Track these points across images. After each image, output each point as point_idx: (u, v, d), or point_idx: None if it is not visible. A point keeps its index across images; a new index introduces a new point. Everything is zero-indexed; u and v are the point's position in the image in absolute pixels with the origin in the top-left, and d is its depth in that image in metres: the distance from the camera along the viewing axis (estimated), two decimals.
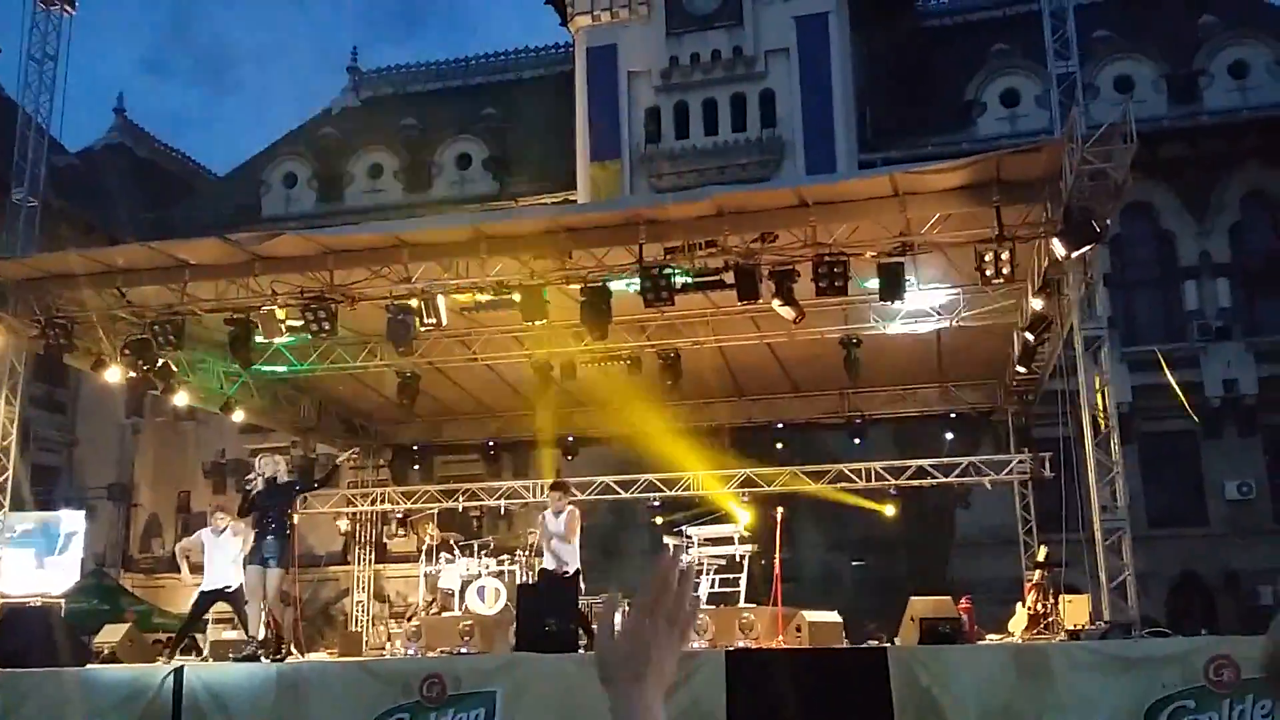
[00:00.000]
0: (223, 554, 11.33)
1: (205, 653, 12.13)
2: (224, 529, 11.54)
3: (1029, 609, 12.52)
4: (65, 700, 9.11)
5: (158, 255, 11.78)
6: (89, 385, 22.39)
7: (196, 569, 11.58)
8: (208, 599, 11.33)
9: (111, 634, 11.44)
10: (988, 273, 10.53)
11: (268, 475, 11.13)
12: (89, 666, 10.04)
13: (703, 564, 13.25)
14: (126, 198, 28.29)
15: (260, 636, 10.55)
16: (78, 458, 26.98)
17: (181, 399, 14.52)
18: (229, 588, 11.18)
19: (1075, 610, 11.44)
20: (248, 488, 11.45)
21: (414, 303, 11.52)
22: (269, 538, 10.85)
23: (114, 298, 12.24)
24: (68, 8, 19.88)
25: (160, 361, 12.77)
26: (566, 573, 11.03)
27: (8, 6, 20.66)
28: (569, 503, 11.70)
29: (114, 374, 13.24)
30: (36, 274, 12.39)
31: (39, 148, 19.76)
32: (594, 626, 11.57)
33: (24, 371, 13.26)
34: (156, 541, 26.60)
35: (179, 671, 9.04)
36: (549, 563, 11.34)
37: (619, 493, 17.47)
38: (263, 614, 10.82)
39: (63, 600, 13.03)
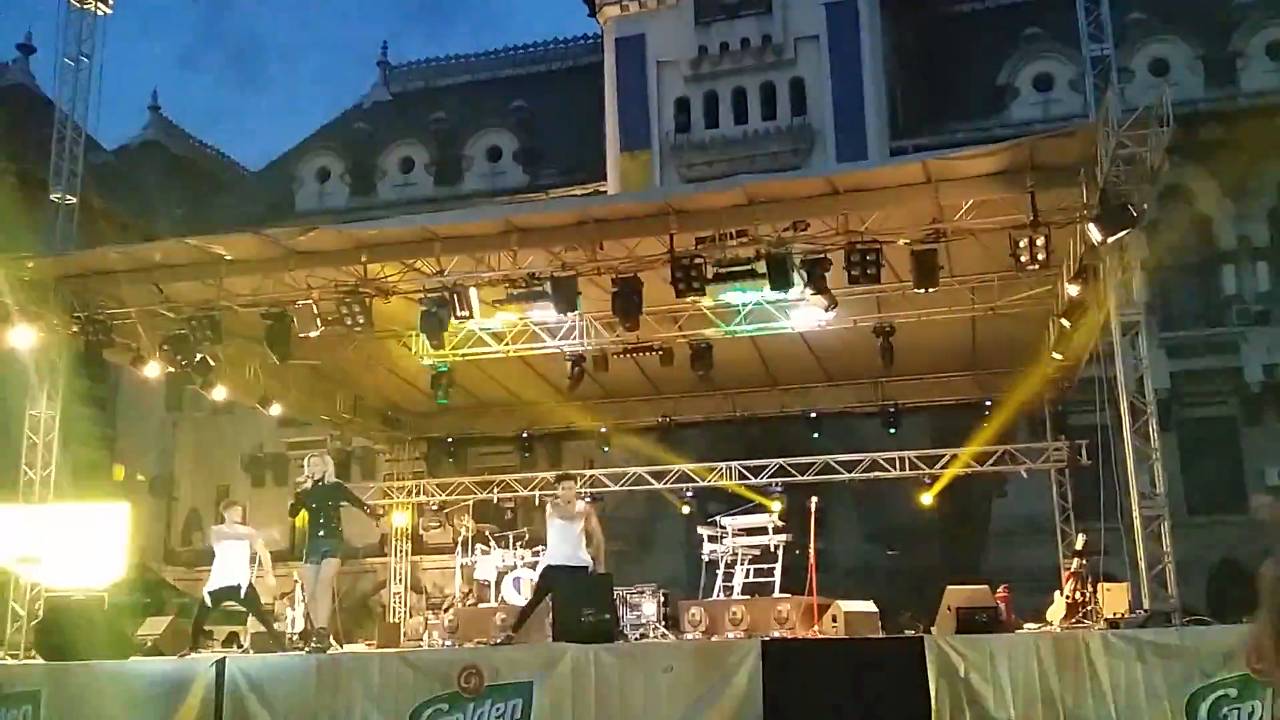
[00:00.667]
0: (235, 553, 11.36)
1: (246, 645, 12.28)
2: (234, 527, 11.58)
3: (1067, 597, 12.43)
4: (109, 692, 9.25)
5: (194, 251, 11.90)
6: (128, 381, 22.69)
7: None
8: (215, 598, 11.29)
9: (154, 626, 11.62)
10: (1022, 259, 10.43)
11: (316, 476, 11.19)
12: (132, 659, 10.19)
13: (737, 554, 13.25)
14: (162, 194, 28.63)
15: (303, 628, 10.67)
16: (119, 452, 27.35)
17: (219, 393, 14.67)
18: (239, 586, 11.19)
19: (1114, 598, 11.35)
20: (298, 490, 11.49)
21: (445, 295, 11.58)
22: (320, 535, 10.89)
23: (152, 293, 12.38)
24: (102, 6, 20.07)
25: (198, 356, 12.91)
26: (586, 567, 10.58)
27: (43, 6, 20.93)
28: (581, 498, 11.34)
29: (153, 369, 13.40)
30: (75, 271, 12.56)
31: (75, 146, 19.99)
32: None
33: (65, 368, 13.45)
34: (197, 535, 26.94)
35: (221, 663, 9.16)
36: (561, 558, 10.69)
37: (652, 483, 17.49)
38: (328, 604, 10.93)
39: (105, 593, 13.20)
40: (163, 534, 26.89)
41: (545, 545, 14.25)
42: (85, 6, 19.76)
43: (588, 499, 11.40)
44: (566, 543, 10.65)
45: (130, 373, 14.87)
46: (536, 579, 11.48)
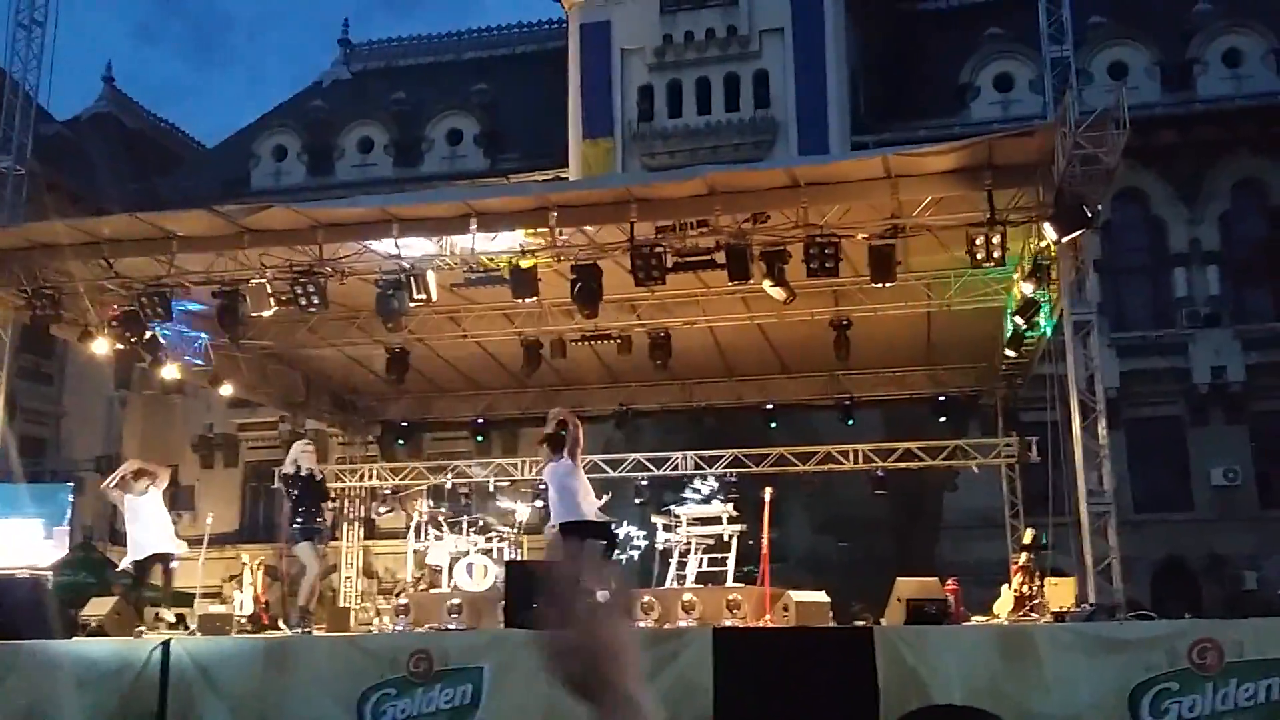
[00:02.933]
0: (155, 518, 11.30)
1: (193, 627, 12.12)
2: (146, 490, 11.49)
3: (1015, 591, 12.58)
4: (52, 672, 9.10)
5: (145, 226, 11.70)
6: (76, 357, 22.28)
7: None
8: (144, 565, 11.24)
9: (99, 607, 11.41)
10: (978, 256, 10.55)
11: (304, 469, 11.39)
12: (76, 639, 10.02)
13: (691, 543, 13.28)
14: (114, 168, 28.11)
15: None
16: (65, 430, 26.88)
17: (169, 372, 14.45)
18: (168, 553, 11.14)
19: (1060, 593, 11.50)
20: (285, 471, 11.62)
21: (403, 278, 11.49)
22: (296, 524, 11.16)
23: (101, 268, 12.15)
24: None
25: (148, 334, 12.70)
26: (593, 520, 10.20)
27: None
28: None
29: (101, 346, 13.16)
30: (23, 244, 12.29)
31: (26, 116, 19.58)
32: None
33: (10, 342, 13.18)
34: None
35: (166, 645, 9.04)
36: (567, 514, 10.13)
37: (607, 472, 17.47)
38: (310, 587, 10.98)
39: (50, 573, 12.97)
40: (109, 514, 26.45)
41: (501, 530, 14.27)
42: None
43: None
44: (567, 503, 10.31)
45: (78, 349, 14.62)
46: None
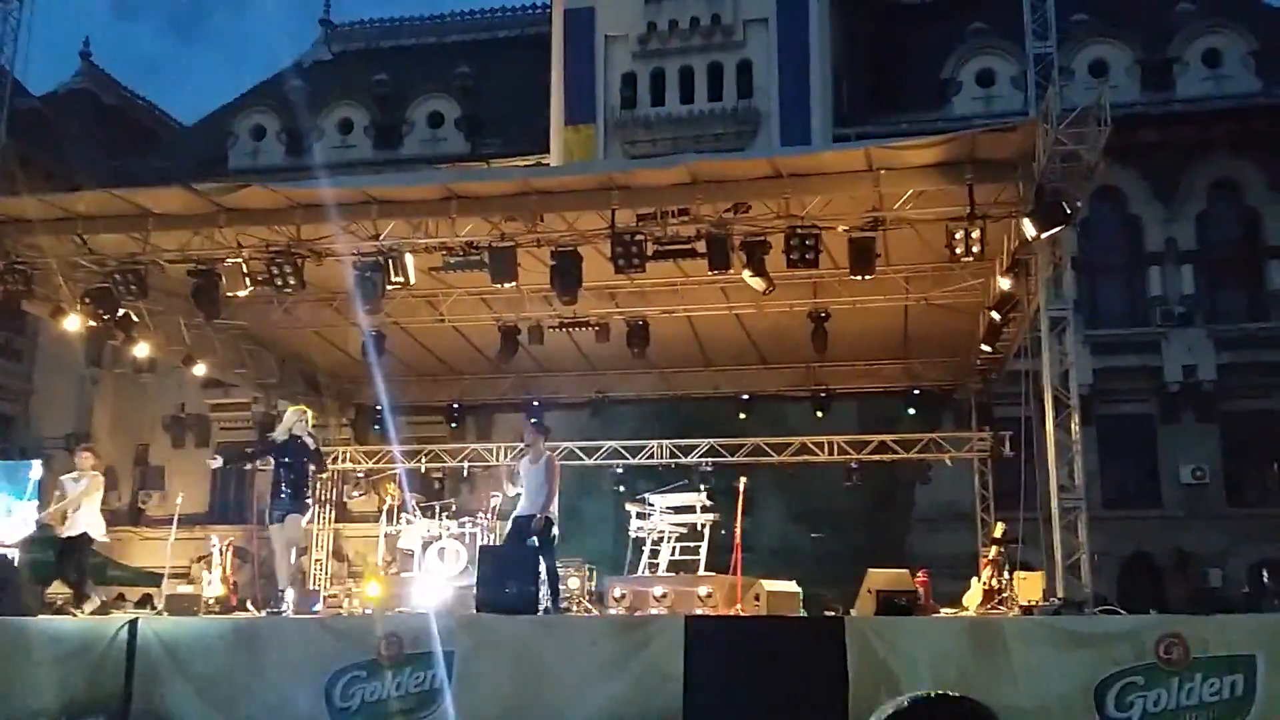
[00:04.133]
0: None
1: (160, 606, 12.04)
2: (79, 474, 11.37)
3: (984, 584, 12.69)
4: (17, 651, 9.02)
5: (120, 203, 11.57)
6: (47, 333, 22.06)
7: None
8: (72, 545, 11.10)
9: (64, 586, 11.33)
10: (958, 250, 10.59)
11: (294, 431, 10.86)
12: (42, 618, 9.93)
13: (664, 532, 13.29)
14: (90, 144, 27.80)
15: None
16: (35, 407, 26.62)
17: (142, 350, 14.31)
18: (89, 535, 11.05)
19: (1029, 586, 11.60)
20: (278, 437, 11.08)
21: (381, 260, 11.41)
22: (283, 495, 10.64)
23: (75, 245, 12.01)
24: None
25: (121, 311, 12.57)
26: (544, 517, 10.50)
27: None
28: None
29: (73, 322, 13.00)
30: None
31: (1, 90, 19.32)
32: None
33: None
34: (114, 494, 26.29)
35: (133, 624, 8.96)
36: (527, 508, 10.62)
37: (583, 459, 17.47)
38: (287, 565, 10.75)
39: (16, 550, 12.84)
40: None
41: (473, 517, 14.25)
42: None
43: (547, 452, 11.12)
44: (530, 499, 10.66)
45: (50, 325, 14.44)
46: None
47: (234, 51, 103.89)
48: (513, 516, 11.01)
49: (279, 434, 11.15)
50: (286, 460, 10.78)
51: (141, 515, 25.56)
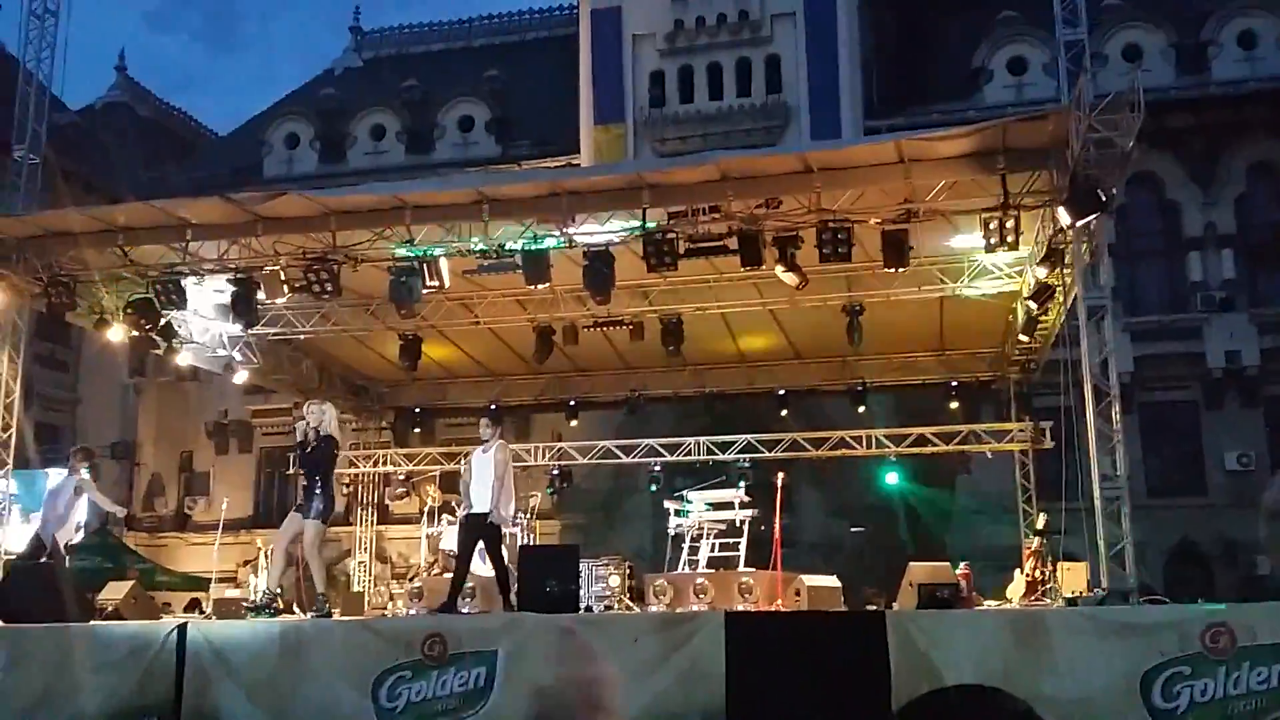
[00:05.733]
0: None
1: (209, 610, 12.21)
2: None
3: (1027, 576, 12.61)
4: (69, 656, 9.18)
5: (159, 214, 11.75)
6: (91, 344, 22.42)
7: None
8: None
9: (115, 591, 11.52)
10: (992, 241, 10.51)
11: (312, 425, 10.46)
12: (93, 623, 10.11)
13: (703, 528, 13.31)
14: (128, 156, 28.22)
15: (271, 590, 10.51)
16: (81, 416, 27.06)
17: (184, 359, 14.52)
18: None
19: (1073, 577, 11.52)
20: (299, 439, 10.72)
21: (416, 265, 11.50)
22: (316, 493, 10.32)
23: (116, 256, 12.21)
24: None
25: (163, 321, 12.77)
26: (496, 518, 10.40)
27: None
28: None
29: (116, 333, 13.24)
30: (38, 232, 12.36)
31: (40, 105, 19.64)
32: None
33: (26, 329, 13.27)
34: (160, 501, 26.73)
35: (182, 628, 9.11)
36: (480, 505, 10.45)
37: (620, 457, 17.52)
38: (292, 564, 10.68)
39: (68, 557, 13.06)
40: (124, 499, 26.65)
41: (517, 514, 14.29)
42: None
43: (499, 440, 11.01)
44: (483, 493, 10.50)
45: (93, 336, 14.70)
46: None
47: (266, 60, 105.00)
48: (463, 514, 10.85)
49: (300, 435, 10.69)
50: (306, 461, 10.49)
51: (188, 521, 25.95)
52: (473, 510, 10.60)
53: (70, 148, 25.08)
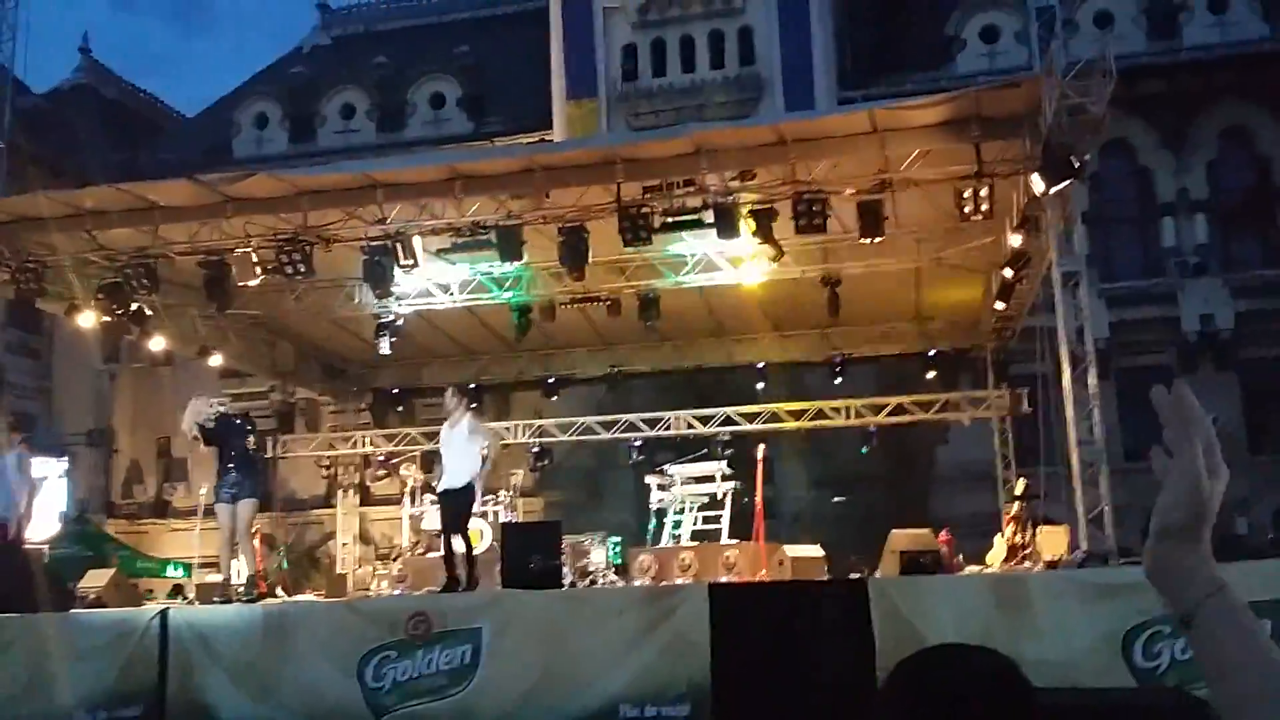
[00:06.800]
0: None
1: (191, 596, 12.16)
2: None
3: (1007, 541, 12.71)
4: (52, 645, 9.13)
5: (128, 197, 11.61)
6: (64, 331, 22.16)
7: None
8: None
9: (96, 579, 11.45)
10: (966, 209, 10.52)
11: (216, 413, 10.95)
12: (74, 611, 10.05)
13: (685, 502, 13.34)
14: (95, 139, 27.81)
15: (233, 577, 10.56)
16: (55, 404, 26.79)
17: (158, 343, 14.39)
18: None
19: (1053, 541, 11.62)
20: (201, 424, 11.07)
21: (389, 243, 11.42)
22: (232, 474, 10.72)
23: (85, 241, 12.06)
24: None
25: (134, 306, 12.63)
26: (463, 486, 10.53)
27: None
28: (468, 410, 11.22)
29: (88, 319, 13.09)
30: (4, 217, 12.18)
31: (3, 89, 19.35)
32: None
33: None
34: (139, 488, 26.54)
35: (164, 613, 9.07)
36: (454, 480, 10.67)
37: (600, 433, 17.52)
38: (239, 551, 10.79)
39: (46, 546, 12.98)
40: (102, 486, 26.45)
41: (495, 495, 14.29)
42: None
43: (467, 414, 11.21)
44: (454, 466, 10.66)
45: (66, 323, 14.53)
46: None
47: (234, 40, 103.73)
48: (440, 490, 10.97)
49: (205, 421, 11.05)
50: (221, 441, 10.86)
51: (168, 507, 25.79)
52: (447, 486, 10.61)
53: (36, 132, 24.71)
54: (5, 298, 13.05)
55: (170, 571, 18.92)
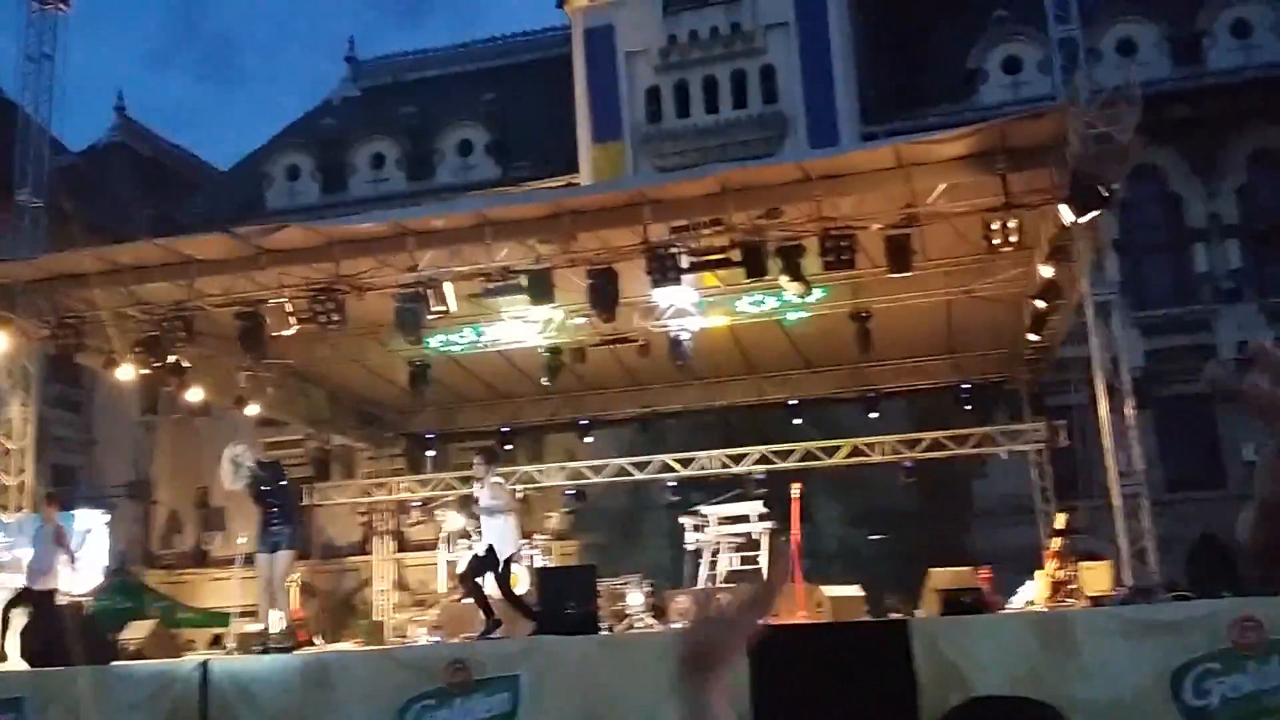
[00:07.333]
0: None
1: (231, 646, 12.21)
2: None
3: (1049, 577, 12.51)
4: (94, 697, 9.17)
5: (164, 252, 11.79)
6: (103, 384, 22.45)
7: None
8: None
9: (137, 631, 11.53)
10: (995, 241, 10.49)
11: (252, 462, 11.18)
12: (116, 663, 10.11)
13: (720, 543, 13.26)
14: (130, 196, 28.34)
15: (274, 628, 10.60)
16: (96, 457, 27.10)
17: (195, 394, 14.55)
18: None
19: (1096, 577, 11.43)
20: (248, 481, 11.28)
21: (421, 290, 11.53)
22: (273, 524, 10.84)
23: (123, 296, 12.25)
24: (62, 5, 19.85)
25: (171, 358, 12.79)
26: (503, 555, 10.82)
27: (3, 6, 20.67)
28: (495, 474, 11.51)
29: (126, 372, 13.26)
30: (45, 275, 12.40)
31: (40, 148, 19.77)
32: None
33: (37, 372, 13.30)
34: (178, 537, 26.75)
35: (205, 665, 9.10)
36: (483, 543, 11.04)
37: (634, 474, 17.48)
38: (276, 600, 10.86)
39: (89, 599, 13.08)
40: (142, 537, 26.67)
41: (529, 540, 14.30)
42: (46, 6, 19.52)
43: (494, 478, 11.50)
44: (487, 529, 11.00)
45: (105, 376, 14.72)
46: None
47: (264, 93, 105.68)
48: (475, 554, 11.25)
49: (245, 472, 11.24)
50: (263, 492, 11.05)
51: (206, 556, 25.95)
52: (481, 549, 11.02)
53: (72, 189, 25.19)
54: (46, 353, 13.24)
55: (208, 623, 19.00)
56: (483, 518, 10.99)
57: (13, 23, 20.21)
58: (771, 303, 12.83)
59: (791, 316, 13.40)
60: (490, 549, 10.80)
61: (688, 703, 1.49)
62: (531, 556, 13.99)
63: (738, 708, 7.83)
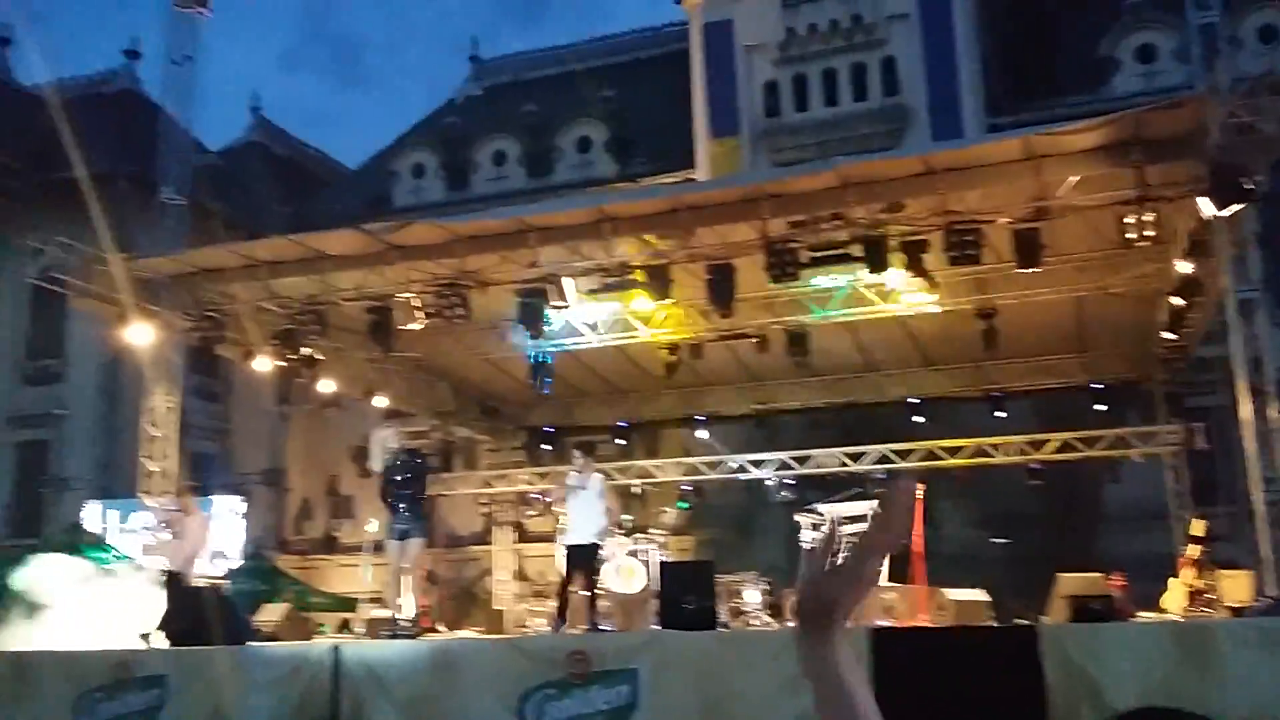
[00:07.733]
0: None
1: (359, 630, 12.61)
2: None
3: (1186, 585, 12.03)
4: (234, 677, 9.58)
5: (299, 248, 12.24)
6: (240, 375, 23.41)
7: None
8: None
9: (271, 613, 12.00)
10: (1130, 235, 10.12)
11: (397, 445, 11.53)
12: (251, 645, 10.54)
13: (839, 544, 13.10)
14: (266, 193, 29.47)
15: (403, 615, 10.91)
16: (233, 445, 28.29)
17: (326, 386, 15.06)
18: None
19: (1236, 586, 10.94)
20: (385, 466, 11.57)
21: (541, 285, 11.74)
22: (403, 512, 11.15)
23: (260, 290, 12.77)
24: (202, 9, 20.74)
25: (305, 350, 13.27)
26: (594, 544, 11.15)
27: (146, 11, 21.73)
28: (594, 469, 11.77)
29: (263, 364, 13.82)
30: (187, 269, 13.01)
31: (182, 148, 20.73)
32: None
33: (180, 363, 13.96)
34: (309, 524, 27.76)
35: (336, 649, 9.42)
36: (582, 535, 11.28)
37: (750, 471, 17.42)
38: (405, 588, 11.19)
39: (227, 582, 13.68)
40: (275, 523, 27.75)
41: (646, 534, 14.42)
42: (187, 9, 20.42)
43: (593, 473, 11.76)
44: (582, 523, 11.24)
45: (242, 367, 15.36)
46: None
47: (390, 93, 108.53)
48: (570, 544, 11.49)
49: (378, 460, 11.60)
50: (394, 480, 11.29)
51: (335, 543, 26.87)
52: (577, 541, 11.29)
53: (213, 188, 26.33)
54: (188, 345, 13.88)
55: (337, 607, 19.65)
56: (584, 506, 11.17)
57: (155, 25, 21.16)
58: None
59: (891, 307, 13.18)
60: (596, 544, 11.12)
61: (808, 659, 1.49)
62: (648, 551, 14.06)
63: None
